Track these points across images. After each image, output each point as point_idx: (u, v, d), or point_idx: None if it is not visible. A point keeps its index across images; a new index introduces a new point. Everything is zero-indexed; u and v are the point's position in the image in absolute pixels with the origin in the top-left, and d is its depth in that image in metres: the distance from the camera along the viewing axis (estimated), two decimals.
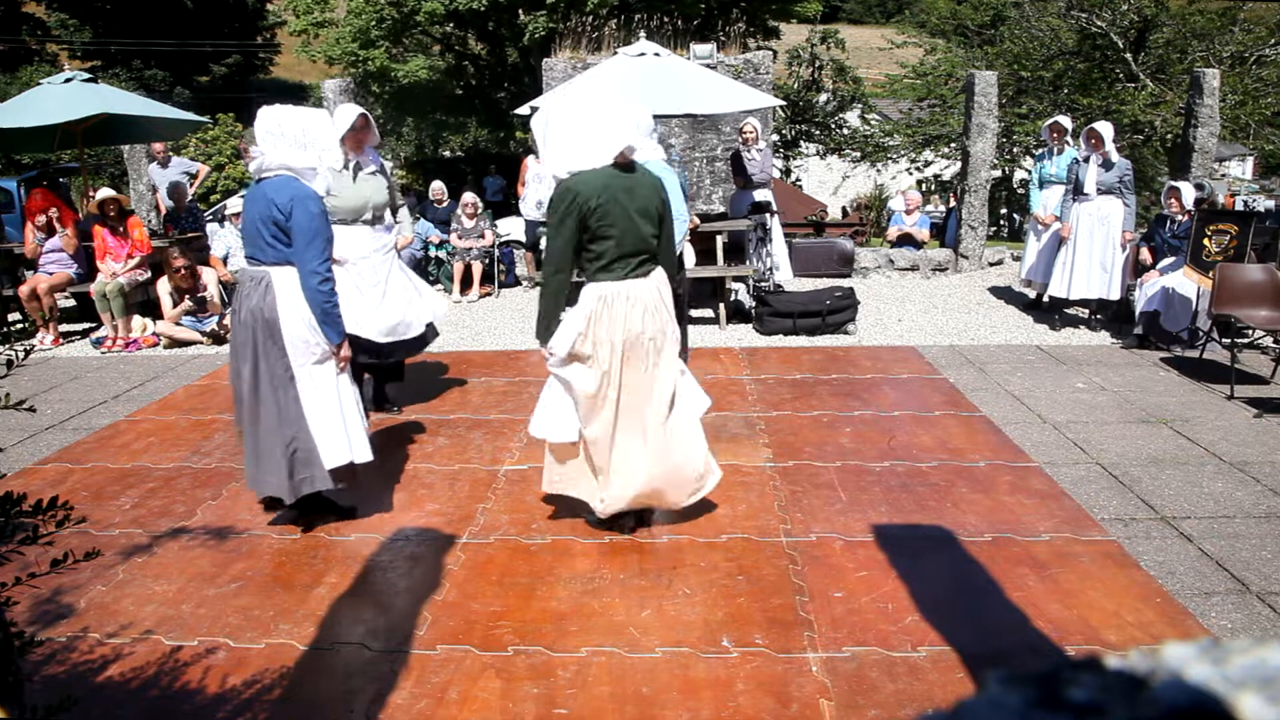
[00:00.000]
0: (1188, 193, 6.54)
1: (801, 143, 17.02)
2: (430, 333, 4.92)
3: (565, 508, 3.65)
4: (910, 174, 17.96)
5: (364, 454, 3.45)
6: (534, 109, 8.61)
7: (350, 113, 4.42)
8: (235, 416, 3.50)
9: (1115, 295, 6.65)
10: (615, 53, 8.10)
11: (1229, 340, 5.48)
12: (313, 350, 3.31)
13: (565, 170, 3.04)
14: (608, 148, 3.03)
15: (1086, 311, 6.96)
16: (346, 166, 4.45)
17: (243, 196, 3.45)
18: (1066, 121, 7.43)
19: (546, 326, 3.14)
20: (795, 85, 16.63)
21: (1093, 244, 6.60)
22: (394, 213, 4.79)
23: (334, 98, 9.18)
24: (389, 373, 5.01)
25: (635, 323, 3.09)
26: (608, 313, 3.08)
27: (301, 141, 3.28)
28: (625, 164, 3.10)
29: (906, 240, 9.88)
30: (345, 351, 3.39)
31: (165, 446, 4.61)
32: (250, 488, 3.50)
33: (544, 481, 3.43)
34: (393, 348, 4.69)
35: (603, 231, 3.03)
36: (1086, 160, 6.63)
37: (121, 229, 7.37)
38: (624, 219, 3.04)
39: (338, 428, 3.37)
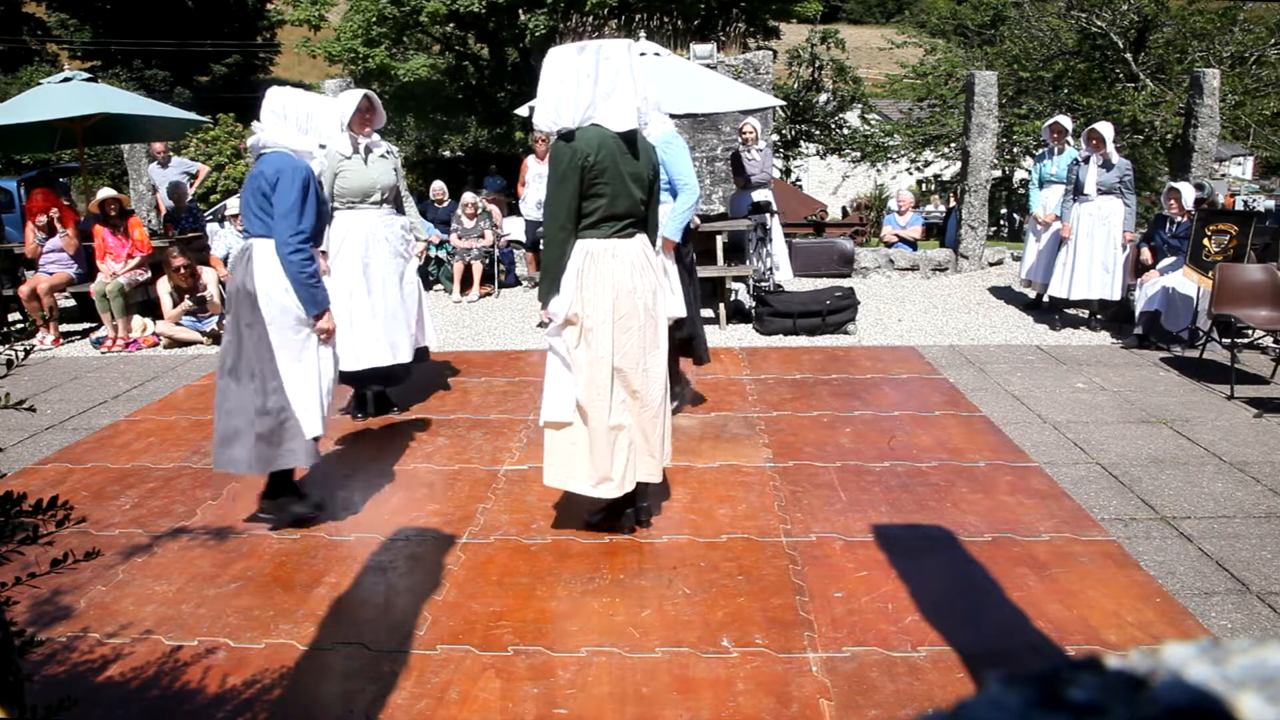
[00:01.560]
0: (1188, 194, 6.54)
1: (801, 143, 17.02)
2: (420, 356, 4.92)
3: (565, 508, 3.65)
4: (910, 174, 17.95)
5: (319, 428, 3.41)
6: (534, 109, 8.63)
7: (354, 95, 4.47)
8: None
9: (1116, 296, 6.65)
10: None
11: (1229, 340, 5.48)
12: (292, 320, 3.29)
13: (572, 122, 3.00)
14: (621, 122, 3.01)
15: (1086, 312, 6.96)
16: (357, 150, 4.51)
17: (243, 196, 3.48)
18: (1067, 122, 7.43)
19: (550, 285, 3.09)
20: (795, 85, 16.63)
21: (1093, 244, 6.60)
22: (402, 206, 4.82)
23: (334, 97, 9.17)
24: (392, 379, 5.00)
25: (624, 279, 3.07)
26: (594, 268, 3.05)
27: (304, 126, 3.31)
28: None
29: (902, 240, 9.89)
30: (325, 323, 3.35)
31: (165, 446, 4.61)
32: (217, 468, 3.44)
33: (545, 474, 3.36)
34: (391, 369, 4.71)
35: (596, 190, 3.01)
36: (1087, 160, 6.63)
37: (122, 229, 7.37)
38: (618, 180, 3.02)
39: (314, 399, 3.36)
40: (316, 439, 3.41)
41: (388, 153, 4.65)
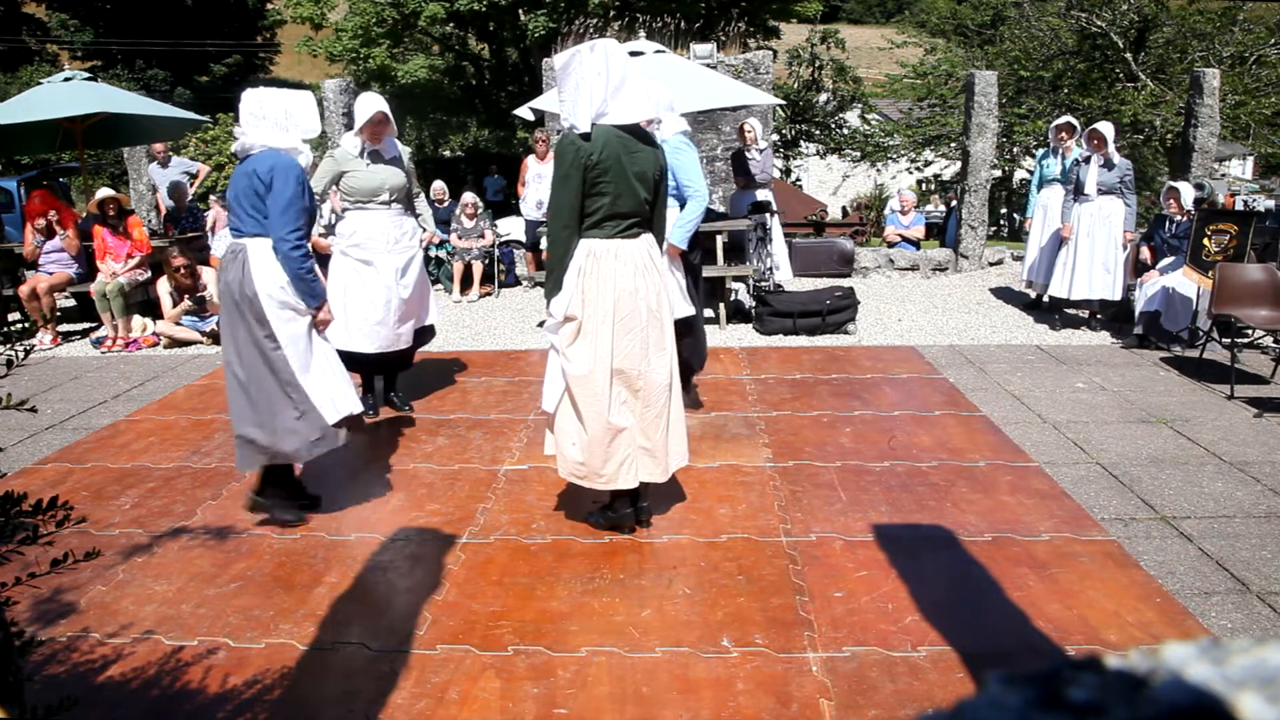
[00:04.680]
0: (1186, 193, 6.54)
1: (801, 143, 17.02)
2: (429, 332, 5.08)
3: (565, 508, 3.65)
4: (910, 174, 17.95)
5: (355, 405, 3.53)
6: (533, 109, 8.62)
7: (370, 107, 4.54)
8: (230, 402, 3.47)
9: (1116, 296, 6.65)
10: None
11: (1229, 340, 5.48)
12: (293, 315, 3.34)
13: (588, 122, 3.00)
14: (637, 110, 3.02)
15: (1086, 311, 6.96)
16: (363, 154, 4.62)
17: None
18: (1077, 122, 7.34)
19: (554, 284, 3.10)
20: (795, 85, 16.64)
21: (1093, 244, 6.60)
22: (413, 204, 4.92)
23: (334, 98, 9.19)
24: (399, 365, 5.05)
25: (626, 280, 3.07)
26: (597, 268, 3.06)
27: (283, 124, 3.33)
28: (630, 127, 3.07)
29: (905, 240, 9.90)
30: (324, 315, 3.44)
31: (165, 446, 4.61)
32: (243, 469, 3.48)
33: (560, 468, 3.36)
34: (397, 356, 4.88)
35: (599, 189, 3.01)
36: (1087, 160, 6.63)
37: (121, 229, 7.37)
38: (621, 179, 3.02)
39: (326, 386, 3.43)
40: (342, 421, 3.46)
41: (396, 157, 4.72)
